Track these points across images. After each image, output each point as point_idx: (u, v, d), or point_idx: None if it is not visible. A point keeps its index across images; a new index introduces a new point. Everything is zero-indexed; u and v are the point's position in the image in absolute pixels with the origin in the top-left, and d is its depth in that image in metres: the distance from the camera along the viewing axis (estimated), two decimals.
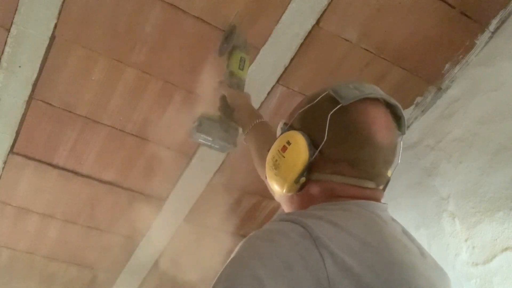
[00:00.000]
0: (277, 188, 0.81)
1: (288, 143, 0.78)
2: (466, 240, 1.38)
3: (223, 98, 1.29)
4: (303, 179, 0.77)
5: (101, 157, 1.69)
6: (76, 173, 1.73)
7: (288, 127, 0.83)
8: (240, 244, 0.64)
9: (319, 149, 0.75)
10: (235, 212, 1.96)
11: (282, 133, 0.83)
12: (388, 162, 0.79)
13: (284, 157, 0.78)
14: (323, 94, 0.79)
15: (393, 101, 0.80)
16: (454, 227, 1.43)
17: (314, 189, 0.78)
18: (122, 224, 1.92)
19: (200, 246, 2.01)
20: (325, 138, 0.74)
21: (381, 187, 0.81)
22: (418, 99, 1.71)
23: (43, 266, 2.02)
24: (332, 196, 0.76)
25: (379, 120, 0.77)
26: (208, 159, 1.75)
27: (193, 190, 1.84)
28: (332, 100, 0.77)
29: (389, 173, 0.82)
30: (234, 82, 1.30)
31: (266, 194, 1.92)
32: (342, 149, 0.76)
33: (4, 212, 1.81)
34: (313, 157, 0.76)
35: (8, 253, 1.95)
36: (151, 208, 1.88)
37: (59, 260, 2.01)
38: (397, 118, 0.82)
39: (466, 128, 1.52)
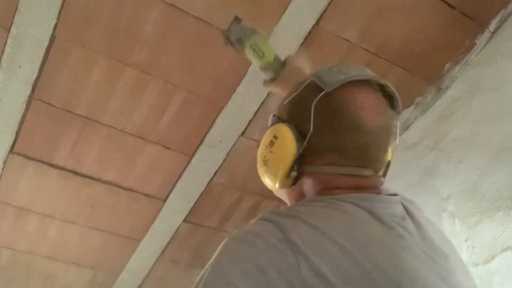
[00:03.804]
0: (270, 184, 0.79)
1: (275, 137, 0.75)
2: (466, 240, 1.38)
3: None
4: (294, 173, 0.74)
5: (101, 157, 1.69)
6: (76, 173, 1.73)
7: (276, 118, 0.80)
8: (221, 245, 0.64)
9: (306, 141, 0.72)
10: (235, 212, 1.96)
11: (270, 126, 0.79)
12: (383, 147, 0.75)
13: (272, 152, 0.76)
14: (307, 82, 0.76)
15: (383, 80, 0.77)
16: (454, 227, 1.43)
17: (307, 183, 0.75)
18: (122, 224, 1.92)
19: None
20: (311, 128, 0.71)
21: (380, 173, 0.77)
22: (418, 99, 1.71)
23: (43, 266, 2.02)
24: (325, 189, 0.73)
25: (368, 104, 0.73)
26: (208, 159, 1.75)
27: (193, 190, 1.84)
28: (315, 88, 0.74)
29: (388, 156, 0.78)
30: (271, 71, 1.14)
31: (266, 194, 1.92)
32: (330, 138, 0.73)
33: (4, 212, 1.81)
34: (301, 149, 0.72)
35: (8, 253, 1.95)
36: (151, 208, 1.88)
37: (59, 260, 2.01)
38: (390, 98, 0.78)
39: (466, 128, 1.52)
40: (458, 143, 1.53)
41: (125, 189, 1.81)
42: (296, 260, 0.57)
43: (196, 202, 1.88)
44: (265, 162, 0.77)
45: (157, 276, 2.14)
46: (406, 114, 1.74)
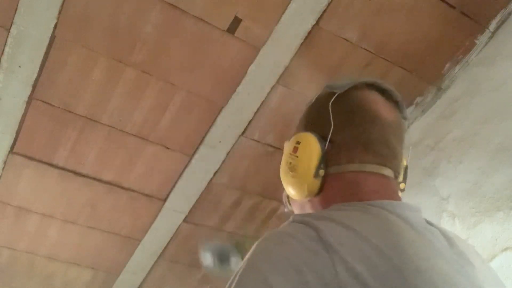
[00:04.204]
0: (298, 190, 0.78)
1: (298, 142, 0.78)
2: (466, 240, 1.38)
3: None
4: (322, 171, 0.75)
5: (101, 157, 1.69)
6: (76, 173, 1.73)
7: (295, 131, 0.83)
8: (253, 246, 0.63)
9: (329, 139, 0.75)
10: (235, 212, 1.96)
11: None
12: (401, 139, 0.78)
13: (297, 156, 0.77)
14: (319, 93, 0.81)
15: (387, 86, 0.80)
16: (454, 227, 1.43)
17: (334, 187, 0.75)
18: (122, 224, 1.92)
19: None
20: (332, 125, 0.74)
21: (400, 179, 0.79)
22: (418, 99, 1.71)
23: (43, 266, 2.02)
24: (352, 194, 0.73)
25: (380, 101, 0.78)
26: (208, 159, 1.75)
27: (193, 190, 1.85)
28: (328, 94, 0.78)
29: (405, 161, 0.80)
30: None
31: (266, 194, 1.92)
32: (351, 132, 0.75)
33: (4, 212, 1.81)
34: (326, 147, 0.75)
35: (8, 253, 1.95)
36: (151, 208, 1.88)
37: (59, 260, 2.01)
38: (395, 103, 0.82)
39: (466, 128, 1.52)
40: (458, 143, 1.53)
41: (125, 189, 1.81)
42: (331, 261, 0.57)
43: (196, 202, 1.88)
44: (292, 168, 0.78)
45: (157, 276, 2.14)
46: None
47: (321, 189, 0.76)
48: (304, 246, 0.60)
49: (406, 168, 0.81)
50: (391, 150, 0.76)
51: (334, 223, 0.63)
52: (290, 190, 0.80)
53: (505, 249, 1.26)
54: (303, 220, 0.65)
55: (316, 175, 0.75)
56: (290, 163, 0.78)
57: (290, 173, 0.78)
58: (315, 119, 0.80)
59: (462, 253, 0.70)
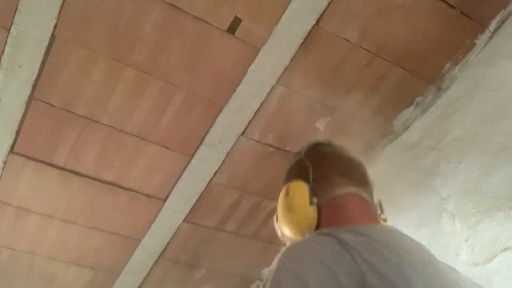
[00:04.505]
0: (298, 224, 0.90)
1: (288, 188, 0.94)
2: (466, 240, 1.38)
3: None
4: (315, 198, 0.89)
5: (101, 157, 1.70)
6: (76, 173, 1.73)
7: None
8: (277, 258, 0.70)
9: (311, 176, 0.92)
10: (235, 212, 1.96)
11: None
12: (365, 172, 0.98)
13: (290, 196, 0.92)
14: (292, 160, 1.03)
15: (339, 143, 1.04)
16: (454, 227, 1.43)
17: (328, 213, 0.87)
18: (122, 224, 1.92)
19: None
20: (310, 166, 0.93)
21: (379, 211, 0.94)
22: (418, 99, 1.71)
23: (43, 266, 2.02)
24: (344, 217, 0.85)
25: (339, 148, 1.03)
26: (208, 159, 1.75)
27: (193, 190, 1.85)
28: (299, 151, 1.02)
29: (375, 195, 0.95)
30: None
31: (266, 194, 1.92)
32: (326, 166, 0.95)
33: (4, 212, 1.81)
34: (310, 181, 0.91)
35: (8, 253, 1.95)
36: (151, 208, 1.88)
37: (59, 260, 2.01)
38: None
39: (466, 128, 1.52)
40: (458, 143, 1.53)
41: (125, 189, 1.81)
42: (351, 256, 0.66)
43: (196, 202, 1.88)
44: (289, 208, 0.92)
45: (157, 276, 2.14)
46: (406, 114, 1.74)
47: (318, 222, 0.88)
48: (326, 247, 0.69)
49: (380, 201, 0.96)
50: (362, 177, 0.94)
51: (349, 232, 0.73)
52: (292, 228, 0.91)
53: (505, 249, 1.26)
54: (323, 232, 0.76)
55: (311, 202, 0.88)
56: (287, 204, 0.92)
57: (288, 213, 0.91)
58: (295, 170, 0.98)
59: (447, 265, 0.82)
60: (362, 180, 0.94)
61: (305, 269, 0.63)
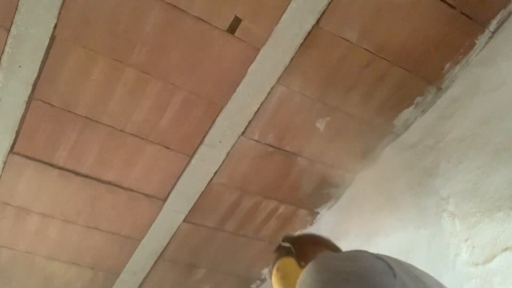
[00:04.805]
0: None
1: (278, 264, 1.14)
2: (466, 240, 1.38)
3: None
4: (303, 263, 1.06)
5: (101, 157, 1.70)
6: (76, 173, 1.73)
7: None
8: (302, 278, 0.87)
9: (293, 250, 1.13)
10: (235, 212, 1.96)
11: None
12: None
13: (280, 270, 1.12)
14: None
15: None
16: (454, 227, 1.43)
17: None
18: (122, 224, 1.92)
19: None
20: (288, 244, 1.14)
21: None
22: (418, 99, 1.71)
23: (43, 266, 2.02)
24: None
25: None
26: (208, 159, 1.75)
27: (193, 190, 1.85)
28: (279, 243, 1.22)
29: None
30: None
31: (266, 194, 1.92)
32: (301, 240, 1.19)
33: (4, 212, 1.81)
34: (292, 249, 1.13)
35: (8, 253, 1.95)
36: (151, 208, 1.88)
37: (59, 260, 2.01)
38: None
39: (466, 128, 1.52)
40: (458, 143, 1.53)
41: (125, 189, 1.81)
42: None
43: (196, 202, 1.88)
44: (284, 277, 1.10)
45: (157, 276, 2.14)
46: (406, 114, 1.74)
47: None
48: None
49: None
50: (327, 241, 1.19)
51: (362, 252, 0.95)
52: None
53: (505, 249, 1.26)
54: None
55: (300, 266, 1.06)
56: (280, 275, 1.11)
57: (283, 281, 1.10)
58: (277, 253, 1.17)
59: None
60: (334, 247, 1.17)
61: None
